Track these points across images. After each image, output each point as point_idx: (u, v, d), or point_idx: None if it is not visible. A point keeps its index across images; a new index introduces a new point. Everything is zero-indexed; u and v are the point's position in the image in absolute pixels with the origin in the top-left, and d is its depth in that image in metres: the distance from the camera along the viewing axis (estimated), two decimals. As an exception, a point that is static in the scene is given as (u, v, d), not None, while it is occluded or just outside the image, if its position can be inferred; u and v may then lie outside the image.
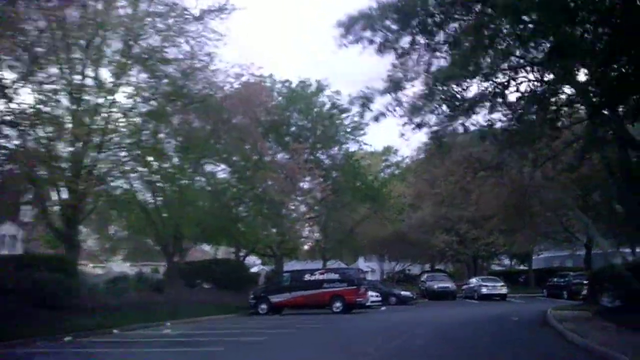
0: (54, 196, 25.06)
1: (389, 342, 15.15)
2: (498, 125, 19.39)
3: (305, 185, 43.27)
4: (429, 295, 42.82)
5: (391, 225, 50.55)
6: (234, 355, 13.70)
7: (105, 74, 24.21)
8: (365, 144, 43.36)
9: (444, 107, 16.35)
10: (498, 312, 28.27)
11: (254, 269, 55.73)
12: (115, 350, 15.26)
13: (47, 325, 17.73)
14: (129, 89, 23.84)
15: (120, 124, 24.36)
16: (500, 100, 16.46)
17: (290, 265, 51.21)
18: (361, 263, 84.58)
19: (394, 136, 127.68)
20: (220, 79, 29.35)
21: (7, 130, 21.14)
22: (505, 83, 16.00)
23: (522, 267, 62.81)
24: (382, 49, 17.49)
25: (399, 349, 13.94)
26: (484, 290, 41.02)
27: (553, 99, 17.59)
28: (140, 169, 28.63)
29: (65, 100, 23.32)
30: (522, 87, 17.32)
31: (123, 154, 25.22)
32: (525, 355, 12.93)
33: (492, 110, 17.37)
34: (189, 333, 19.35)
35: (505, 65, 16.57)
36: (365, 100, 17.39)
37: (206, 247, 47.52)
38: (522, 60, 16.71)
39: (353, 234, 49.63)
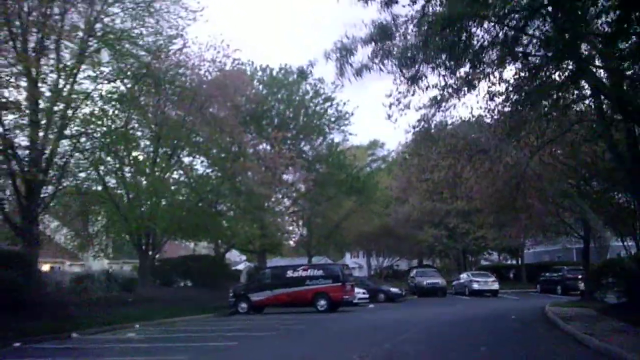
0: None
1: (379, 345, 13.37)
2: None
3: (288, 178, 41.62)
4: (419, 291, 41.13)
5: (378, 219, 48.86)
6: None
7: (67, 55, 22.21)
8: (350, 133, 41.62)
9: (444, 57, 14.02)
10: (493, 309, 26.67)
11: (240, 266, 53.89)
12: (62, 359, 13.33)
13: (-5, 329, 15.76)
14: (91, 71, 21.77)
15: (83, 109, 22.38)
16: (513, 47, 13.99)
17: (275, 262, 49.39)
18: (348, 259, 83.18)
19: (380, 130, 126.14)
20: (194, 61, 27.65)
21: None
22: (520, 26, 13.56)
23: (510, 262, 61.56)
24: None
25: (390, 356, 12.17)
26: (475, 286, 39.47)
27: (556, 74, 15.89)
28: (109, 159, 26.77)
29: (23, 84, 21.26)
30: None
31: (86, 140, 23.21)
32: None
33: (501, 63, 15.13)
34: (155, 337, 17.43)
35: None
36: (345, 52, 14.18)
37: (188, 243, 45.53)
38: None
39: (339, 229, 47.87)
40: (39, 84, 20.63)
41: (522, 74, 16.87)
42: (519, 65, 17.11)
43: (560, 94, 16.07)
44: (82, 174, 26.36)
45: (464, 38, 13.08)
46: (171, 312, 24.78)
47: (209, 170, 32.45)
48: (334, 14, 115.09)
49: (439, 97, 18.73)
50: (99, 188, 28.15)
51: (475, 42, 13.68)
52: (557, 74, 16.74)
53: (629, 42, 14.40)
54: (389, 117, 19.03)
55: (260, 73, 39.09)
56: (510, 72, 17.49)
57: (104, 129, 24.92)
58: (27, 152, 21.03)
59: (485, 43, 13.65)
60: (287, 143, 37.93)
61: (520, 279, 49.90)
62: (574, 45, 14.41)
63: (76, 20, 22.04)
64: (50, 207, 24.38)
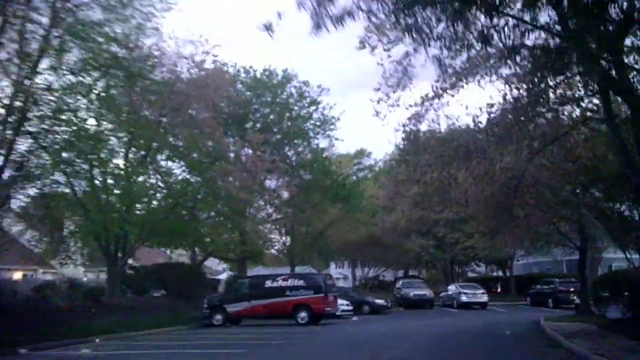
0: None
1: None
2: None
3: (270, 184, 39.94)
4: (405, 303, 39.46)
5: (364, 228, 47.24)
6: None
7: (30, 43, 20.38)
8: (336, 139, 39.90)
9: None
10: (484, 323, 25.08)
11: (222, 276, 51.94)
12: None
13: None
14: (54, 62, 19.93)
15: (44, 102, 20.49)
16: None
17: (257, 271, 47.55)
18: (333, 269, 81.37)
19: (367, 140, 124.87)
20: (170, 58, 25.96)
21: None
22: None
23: (497, 274, 60.17)
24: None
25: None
26: (464, 298, 37.93)
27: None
28: (77, 160, 24.87)
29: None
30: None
31: (49, 139, 21.32)
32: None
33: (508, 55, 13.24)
34: (111, 354, 15.65)
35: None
36: None
37: (165, 251, 43.54)
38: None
39: (323, 237, 46.18)
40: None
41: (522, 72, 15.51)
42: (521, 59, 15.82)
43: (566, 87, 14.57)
44: (46, 175, 24.33)
45: None
46: (139, 325, 22.99)
47: (186, 175, 30.57)
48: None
49: (431, 94, 17.29)
50: (67, 191, 26.25)
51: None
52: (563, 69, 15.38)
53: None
54: (377, 114, 17.52)
55: (243, 75, 37.45)
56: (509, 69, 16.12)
57: (73, 128, 23.15)
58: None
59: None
60: (270, 147, 36.33)
61: (509, 291, 48.43)
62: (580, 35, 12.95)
63: (41, 6, 20.30)
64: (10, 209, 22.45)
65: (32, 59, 19.86)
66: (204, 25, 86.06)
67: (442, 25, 11.84)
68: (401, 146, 17.33)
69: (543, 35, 12.94)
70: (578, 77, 14.37)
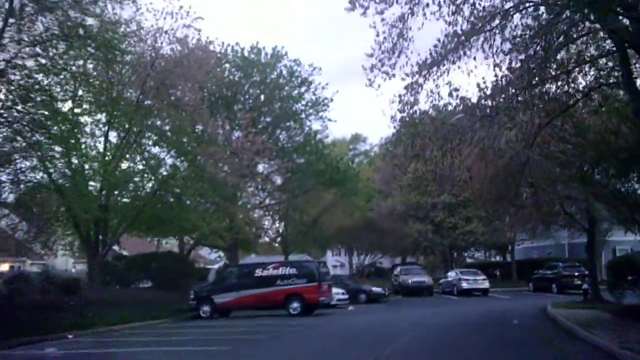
0: None
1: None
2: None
3: (263, 170, 38.32)
4: (403, 290, 37.97)
5: (359, 212, 45.65)
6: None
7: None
8: (329, 119, 38.15)
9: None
10: (488, 312, 23.63)
11: (216, 266, 50.29)
12: None
13: None
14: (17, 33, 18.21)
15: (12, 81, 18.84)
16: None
17: (251, 259, 45.90)
18: (329, 257, 79.94)
19: (362, 126, 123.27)
20: (148, 32, 24.25)
21: None
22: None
23: (496, 259, 58.82)
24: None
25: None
26: (465, 285, 36.46)
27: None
28: (50, 142, 23.21)
29: None
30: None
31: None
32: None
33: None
34: (80, 352, 14.11)
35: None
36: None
37: (153, 240, 41.83)
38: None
39: (317, 224, 44.59)
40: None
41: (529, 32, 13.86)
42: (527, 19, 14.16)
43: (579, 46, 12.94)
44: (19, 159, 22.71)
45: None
46: (119, 318, 21.44)
47: (173, 159, 28.89)
48: None
49: (430, 60, 15.55)
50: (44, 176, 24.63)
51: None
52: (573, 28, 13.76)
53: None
54: (371, 83, 15.78)
55: (230, 53, 35.57)
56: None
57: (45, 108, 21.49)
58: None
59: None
60: (260, 129, 34.66)
61: (510, 276, 47.00)
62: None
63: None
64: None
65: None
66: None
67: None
68: (397, 120, 15.57)
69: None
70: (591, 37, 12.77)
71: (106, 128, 25.86)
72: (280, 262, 26.02)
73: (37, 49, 19.00)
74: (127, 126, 25.69)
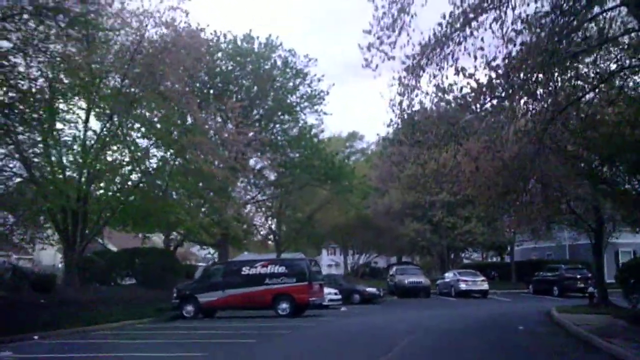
0: None
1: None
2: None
3: (255, 164, 36.85)
4: (399, 291, 36.50)
5: (355, 210, 44.21)
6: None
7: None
8: (324, 113, 36.66)
9: None
10: (489, 315, 22.22)
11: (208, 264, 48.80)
12: None
13: None
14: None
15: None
16: None
17: (244, 258, 44.37)
18: (324, 256, 78.51)
19: (359, 124, 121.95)
20: (132, 14, 22.76)
21: None
22: None
23: (494, 260, 57.49)
24: None
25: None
26: (463, 286, 35.04)
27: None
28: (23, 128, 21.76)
29: None
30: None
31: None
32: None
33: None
34: (36, 357, 12.62)
35: None
36: None
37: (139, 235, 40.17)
38: None
39: (311, 221, 43.14)
40: None
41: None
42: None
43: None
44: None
45: None
46: (95, 318, 19.94)
47: (155, 149, 27.35)
48: None
49: (433, 40, 14.08)
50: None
51: None
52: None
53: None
54: (368, 63, 14.31)
55: (223, 44, 34.00)
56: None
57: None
58: None
59: None
60: (252, 122, 33.20)
61: (508, 278, 45.63)
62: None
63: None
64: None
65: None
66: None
67: None
68: (396, 104, 14.08)
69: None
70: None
71: (86, 115, 24.33)
72: (269, 260, 24.52)
73: (7, 25, 17.54)
74: (109, 113, 24.23)
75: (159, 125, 24.93)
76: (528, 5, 12.99)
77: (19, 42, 18.34)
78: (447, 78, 12.97)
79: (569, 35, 11.49)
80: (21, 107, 20.08)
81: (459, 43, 13.77)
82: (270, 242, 49.04)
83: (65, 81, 22.98)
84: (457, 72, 12.38)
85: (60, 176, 23.66)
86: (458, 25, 13.59)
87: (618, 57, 13.38)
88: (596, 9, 12.70)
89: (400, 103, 13.37)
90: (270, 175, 39.27)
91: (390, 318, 21.94)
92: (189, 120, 26.73)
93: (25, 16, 16.93)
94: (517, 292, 38.17)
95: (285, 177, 38.08)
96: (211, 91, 33.60)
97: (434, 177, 38.69)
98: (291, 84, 35.32)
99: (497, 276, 47.67)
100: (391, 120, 14.01)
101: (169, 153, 26.56)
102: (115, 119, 24.61)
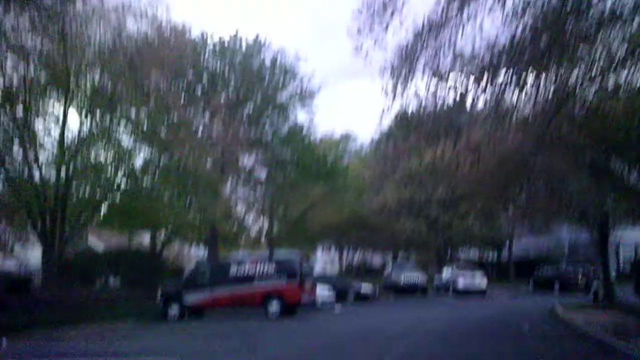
0: None
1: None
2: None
3: (246, 164, 35.78)
4: (395, 289, 35.35)
5: (349, 208, 43.07)
6: None
7: None
8: (315, 111, 35.54)
9: None
10: (491, 315, 21.17)
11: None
12: None
13: None
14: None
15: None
16: None
17: (239, 257, 43.12)
18: (319, 254, 77.23)
19: (354, 126, 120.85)
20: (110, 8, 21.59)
21: None
22: None
23: (491, 257, 56.30)
24: None
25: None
26: (461, 284, 33.98)
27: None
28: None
29: None
30: None
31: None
32: None
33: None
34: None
35: None
36: None
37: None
38: None
39: (304, 220, 41.97)
40: None
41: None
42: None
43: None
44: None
45: None
46: (71, 320, 18.83)
47: (141, 148, 26.17)
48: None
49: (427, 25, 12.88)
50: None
51: None
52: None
53: None
54: (358, 49, 13.09)
55: (210, 44, 32.85)
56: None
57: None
58: None
59: None
60: (242, 120, 32.13)
61: (507, 275, 44.59)
62: None
63: None
64: None
65: None
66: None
67: None
68: (389, 91, 12.87)
69: None
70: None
71: (64, 112, 23.13)
72: (258, 258, 23.35)
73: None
74: (88, 110, 23.09)
75: (144, 123, 23.75)
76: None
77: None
78: (445, 57, 11.76)
79: (578, 13, 10.35)
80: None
81: (457, 26, 12.60)
82: (263, 241, 47.89)
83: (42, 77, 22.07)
84: (455, 58, 11.18)
85: (37, 175, 22.61)
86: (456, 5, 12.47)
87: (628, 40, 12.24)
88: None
89: (395, 88, 12.12)
90: (261, 174, 38.20)
91: (386, 319, 20.82)
92: (174, 117, 25.64)
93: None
94: (517, 289, 37.12)
95: (276, 175, 37.03)
96: (198, 89, 32.47)
97: (429, 172, 37.71)
98: (280, 82, 34.22)
99: (496, 273, 46.63)
100: (384, 110, 12.79)
101: (153, 151, 25.43)
102: (97, 116, 23.54)
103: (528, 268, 40.04)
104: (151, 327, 19.69)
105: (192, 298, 22.29)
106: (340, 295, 28.37)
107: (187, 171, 23.47)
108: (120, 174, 24.69)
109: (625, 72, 14.28)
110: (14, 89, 21.39)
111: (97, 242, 36.70)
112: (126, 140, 25.33)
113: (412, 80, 11.91)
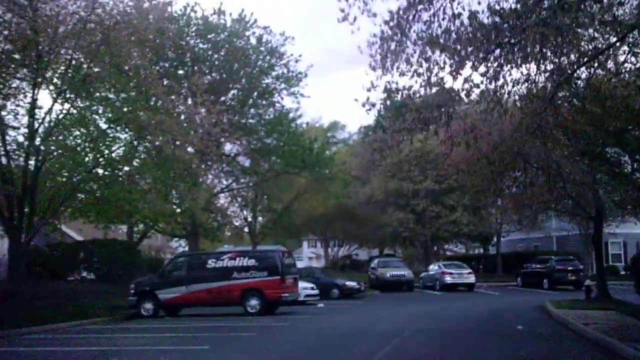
0: None
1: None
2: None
3: (229, 149, 34.58)
4: (381, 285, 34.35)
5: (335, 200, 42.05)
6: None
7: None
8: (302, 95, 34.32)
9: None
10: (480, 311, 20.25)
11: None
12: None
13: None
14: None
15: None
16: None
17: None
18: (305, 248, 76.44)
19: (342, 116, 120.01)
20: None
21: None
22: None
23: (479, 252, 55.68)
24: None
25: None
26: (448, 279, 33.06)
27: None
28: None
29: None
30: None
31: None
32: None
33: None
34: None
35: None
36: None
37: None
38: None
39: (289, 211, 40.90)
40: None
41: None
42: None
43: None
44: None
45: None
46: (34, 318, 17.56)
47: (116, 133, 24.78)
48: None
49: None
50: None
51: None
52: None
53: None
54: (345, 16, 11.95)
55: (193, 19, 31.36)
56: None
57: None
58: None
59: None
60: (225, 104, 30.77)
61: (495, 270, 43.84)
62: None
63: None
64: None
65: None
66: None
67: None
68: (377, 62, 11.75)
69: None
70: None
71: (32, 91, 21.73)
72: (237, 252, 22.17)
73: None
74: (59, 89, 21.70)
75: (120, 105, 22.41)
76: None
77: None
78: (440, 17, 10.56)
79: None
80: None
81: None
82: (246, 234, 46.73)
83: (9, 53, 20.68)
84: (452, 18, 10.05)
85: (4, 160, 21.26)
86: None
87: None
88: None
89: (384, 59, 10.99)
90: (245, 162, 37.02)
91: (372, 316, 19.80)
92: (153, 99, 24.32)
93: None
94: (505, 285, 36.33)
95: (260, 164, 35.89)
96: (180, 70, 31.15)
97: (417, 162, 36.68)
98: (266, 63, 32.91)
99: (483, 268, 45.94)
100: (372, 84, 11.64)
101: (129, 135, 24.08)
102: (70, 97, 22.15)
103: (516, 263, 39.35)
104: (122, 326, 18.45)
105: (167, 294, 21.11)
106: (325, 291, 27.31)
107: (166, 157, 22.18)
108: (93, 158, 23.39)
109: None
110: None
111: (77, 235, 35.42)
112: (102, 124, 24.04)
113: (403, 52, 10.77)
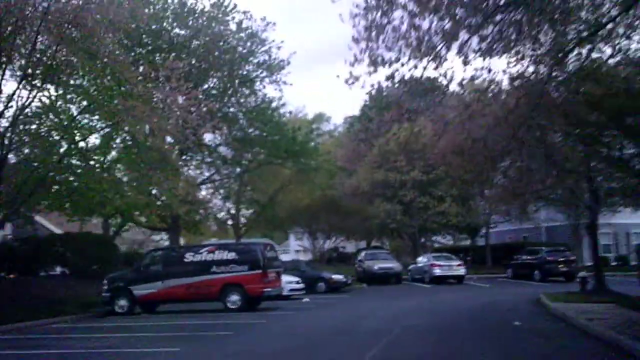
0: None
1: None
2: None
3: (212, 140, 33.33)
4: (368, 278, 33.36)
5: (320, 192, 40.94)
6: None
7: None
8: (284, 83, 33.12)
9: None
10: (472, 305, 19.31)
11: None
12: None
13: None
14: None
15: None
16: None
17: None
18: (292, 241, 75.17)
19: (327, 108, 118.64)
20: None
21: None
22: None
23: (466, 244, 54.89)
24: None
25: None
26: (438, 272, 32.16)
27: None
28: None
29: None
30: None
31: None
32: None
33: None
34: None
35: None
36: None
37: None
38: None
39: (273, 203, 39.76)
40: None
41: None
42: None
43: None
44: None
45: None
46: (3, 317, 16.36)
47: (89, 119, 23.44)
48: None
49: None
50: None
51: None
52: None
53: None
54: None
55: (170, 3, 29.95)
56: None
57: None
58: None
59: None
60: (205, 92, 29.49)
61: (484, 262, 43.06)
62: None
63: None
64: None
65: None
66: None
67: None
68: (362, 37, 10.67)
69: None
70: None
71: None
72: (216, 245, 21.05)
73: None
74: (23, 74, 20.35)
75: (95, 93, 21.11)
76: None
77: None
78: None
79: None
80: None
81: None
82: (229, 227, 45.54)
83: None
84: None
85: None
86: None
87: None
88: None
89: (369, 29, 9.88)
90: (227, 152, 35.77)
91: (359, 311, 18.77)
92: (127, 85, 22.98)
93: None
94: (495, 277, 35.51)
95: (243, 154, 34.71)
96: (157, 56, 29.76)
97: (403, 149, 35.59)
98: (246, 49, 31.63)
99: (472, 260, 45.14)
100: (355, 57, 10.52)
101: (104, 124, 22.78)
102: (35, 83, 20.80)
103: (505, 254, 38.62)
104: (94, 325, 17.23)
105: (143, 290, 19.94)
106: (311, 285, 26.25)
107: (139, 145, 20.95)
108: (67, 148, 22.09)
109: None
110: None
111: (56, 229, 34.00)
112: (74, 111, 22.70)
113: (389, 23, 9.67)
